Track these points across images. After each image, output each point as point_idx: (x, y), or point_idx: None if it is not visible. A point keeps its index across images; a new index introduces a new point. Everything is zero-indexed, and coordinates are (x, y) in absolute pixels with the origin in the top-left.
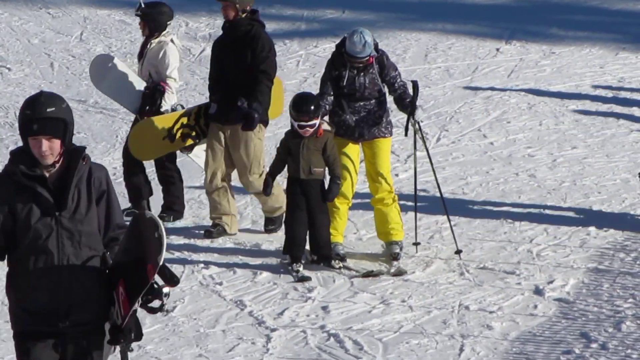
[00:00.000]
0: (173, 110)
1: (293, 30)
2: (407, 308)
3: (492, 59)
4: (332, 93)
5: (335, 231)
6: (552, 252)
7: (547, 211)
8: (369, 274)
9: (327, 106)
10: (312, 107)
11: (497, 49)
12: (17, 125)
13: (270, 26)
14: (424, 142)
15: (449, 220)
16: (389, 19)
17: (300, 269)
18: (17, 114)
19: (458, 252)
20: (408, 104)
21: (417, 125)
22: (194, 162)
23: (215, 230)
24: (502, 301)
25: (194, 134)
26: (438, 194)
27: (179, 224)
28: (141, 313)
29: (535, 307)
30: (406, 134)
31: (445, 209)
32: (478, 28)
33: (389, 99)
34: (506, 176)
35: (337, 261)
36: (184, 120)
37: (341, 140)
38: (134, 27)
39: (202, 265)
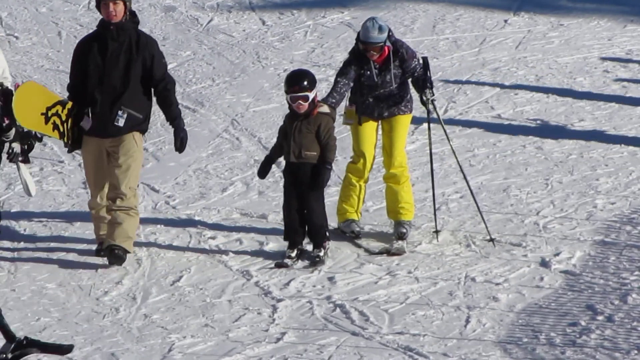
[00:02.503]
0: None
1: (301, 0)
2: (413, 279)
3: (500, 31)
4: (353, 76)
5: (352, 208)
6: (559, 224)
7: (554, 183)
8: (397, 253)
9: (345, 88)
10: (305, 80)
11: (505, 21)
12: None
13: None
14: (440, 119)
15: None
16: None
17: (293, 254)
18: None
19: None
20: (428, 84)
21: (430, 104)
22: (20, 181)
23: (117, 251)
24: (508, 273)
25: (61, 130)
26: (445, 166)
27: (185, 193)
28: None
29: (542, 279)
30: (428, 110)
31: (467, 183)
32: None
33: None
34: (513, 148)
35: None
36: (59, 108)
37: (361, 117)
38: None
39: (208, 235)
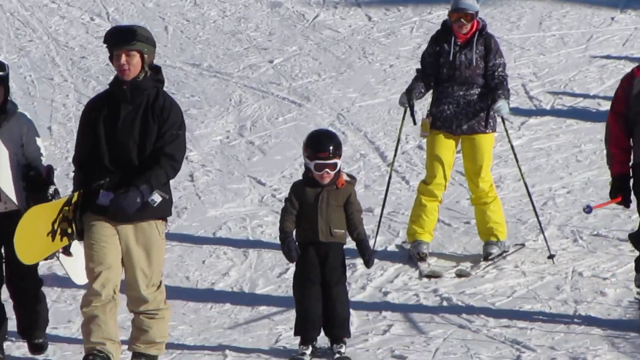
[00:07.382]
0: (52, 197)
1: None
2: (520, 273)
3: (607, 28)
4: (431, 73)
5: (421, 229)
6: None
7: None
8: (431, 275)
9: (423, 89)
10: (332, 144)
11: (612, 18)
12: None
13: None
14: (508, 135)
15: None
16: None
17: (308, 352)
18: None
19: (551, 257)
20: (496, 96)
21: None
22: (64, 269)
23: None
24: (615, 268)
25: (69, 231)
26: (551, 161)
27: None
28: None
29: None
30: (485, 126)
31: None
32: None
33: None
34: None
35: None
36: (66, 210)
37: (437, 133)
38: None
39: None
